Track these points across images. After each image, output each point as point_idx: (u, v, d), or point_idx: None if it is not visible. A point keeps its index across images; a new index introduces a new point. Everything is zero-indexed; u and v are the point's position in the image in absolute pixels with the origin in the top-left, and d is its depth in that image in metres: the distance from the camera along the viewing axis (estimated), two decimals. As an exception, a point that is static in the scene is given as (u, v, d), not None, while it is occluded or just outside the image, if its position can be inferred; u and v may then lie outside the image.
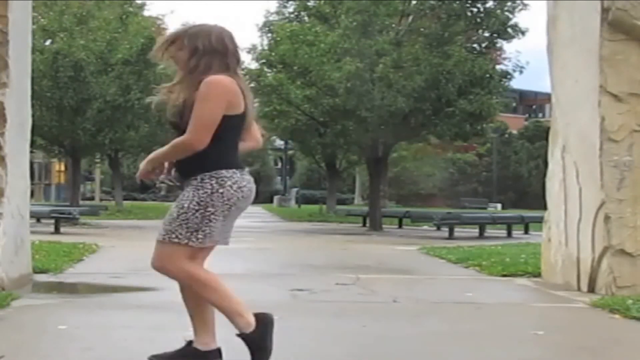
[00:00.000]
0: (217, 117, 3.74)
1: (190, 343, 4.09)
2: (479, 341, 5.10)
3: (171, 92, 3.87)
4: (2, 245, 6.94)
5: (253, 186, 3.96)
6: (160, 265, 3.92)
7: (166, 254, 3.86)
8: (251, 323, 4.00)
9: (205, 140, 3.73)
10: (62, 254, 10.02)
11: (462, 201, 40.67)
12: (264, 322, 4.03)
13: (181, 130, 3.80)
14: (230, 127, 3.81)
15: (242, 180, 3.86)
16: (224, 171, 3.81)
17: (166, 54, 3.95)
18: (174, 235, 3.81)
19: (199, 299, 4.06)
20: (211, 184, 3.79)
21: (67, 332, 5.07)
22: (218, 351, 4.09)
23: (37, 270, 8.29)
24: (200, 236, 3.81)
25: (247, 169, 3.99)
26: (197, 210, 3.78)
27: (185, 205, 3.79)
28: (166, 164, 3.97)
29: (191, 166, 3.83)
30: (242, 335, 4.00)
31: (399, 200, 43.04)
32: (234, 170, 3.84)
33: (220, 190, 3.79)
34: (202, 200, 3.78)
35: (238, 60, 3.96)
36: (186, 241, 3.81)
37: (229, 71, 3.85)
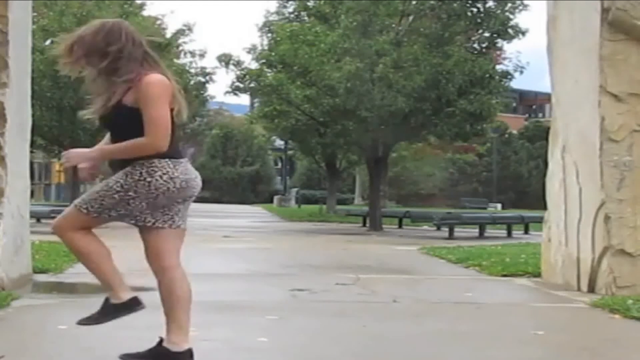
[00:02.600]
0: (168, 116, 3.82)
1: (160, 342, 4.09)
2: (479, 341, 5.10)
3: (105, 99, 3.89)
4: (2, 245, 6.95)
5: (189, 177, 4.00)
6: (56, 225, 4.02)
7: (68, 217, 3.99)
8: (121, 297, 4.20)
9: (167, 143, 3.81)
10: (62, 254, 10.00)
11: (462, 201, 40.66)
12: (128, 305, 4.22)
13: (117, 131, 3.90)
14: None
15: (175, 171, 3.90)
16: (156, 161, 3.86)
17: (75, 65, 3.98)
18: (84, 206, 3.95)
19: (168, 298, 4.14)
20: (140, 172, 3.86)
21: (67, 332, 5.07)
22: (189, 352, 4.06)
23: (37, 270, 8.29)
24: (96, 205, 3.95)
25: (186, 159, 4.02)
26: (117, 192, 3.89)
27: (110, 184, 3.91)
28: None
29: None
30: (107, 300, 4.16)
31: (399, 200, 43.03)
32: (168, 160, 3.87)
33: (148, 179, 3.86)
34: (125, 184, 3.88)
35: (146, 50, 3.95)
36: (90, 211, 3.96)
37: (148, 63, 3.88)
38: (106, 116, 3.91)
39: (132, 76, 3.80)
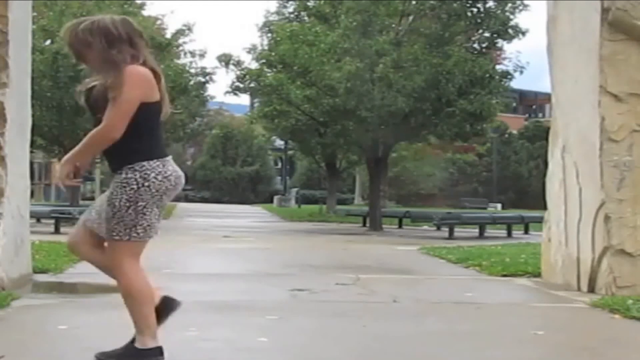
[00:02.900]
0: (133, 104, 3.79)
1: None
2: (479, 341, 5.10)
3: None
4: (2, 245, 6.95)
5: (179, 174, 4.01)
6: (116, 264, 3.95)
7: (118, 252, 3.92)
8: (148, 345, 3.99)
9: (119, 127, 3.78)
10: (62, 254, 10.01)
11: (462, 201, 40.67)
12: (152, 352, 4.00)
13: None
14: (148, 115, 3.86)
15: (167, 170, 3.91)
16: (145, 163, 3.85)
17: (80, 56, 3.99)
18: (114, 233, 3.87)
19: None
20: (136, 179, 3.84)
21: (67, 332, 5.07)
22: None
23: (37, 270, 8.29)
24: (140, 231, 3.88)
25: (170, 157, 4.02)
26: (128, 207, 3.84)
27: (117, 204, 3.85)
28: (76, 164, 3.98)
29: (116, 160, 3.92)
30: (131, 346, 4.02)
31: (399, 200, 43.04)
32: (156, 160, 3.89)
33: (146, 184, 3.84)
34: (130, 197, 3.84)
35: (137, 45, 3.95)
36: (127, 237, 3.87)
37: (139, 60, 3.90)
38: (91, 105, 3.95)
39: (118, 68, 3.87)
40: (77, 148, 3.94)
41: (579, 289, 7.65)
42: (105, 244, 3.99)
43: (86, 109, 4.04)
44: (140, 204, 3.83)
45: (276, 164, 56.09)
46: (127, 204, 3.83)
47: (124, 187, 3.84)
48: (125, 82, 3.77)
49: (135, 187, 3.83)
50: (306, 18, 26.13)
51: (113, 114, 3.77)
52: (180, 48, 28.74)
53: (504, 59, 27.00)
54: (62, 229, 17.00)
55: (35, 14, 20.68)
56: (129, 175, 3.83)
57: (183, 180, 4.04)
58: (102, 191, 35.06)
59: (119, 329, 5.22)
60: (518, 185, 45.35)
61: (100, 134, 3.83)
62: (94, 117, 3.92)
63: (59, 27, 23.61)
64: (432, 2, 21.60)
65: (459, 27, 21.53)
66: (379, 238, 18.30)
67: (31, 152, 9.63)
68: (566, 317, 6.40)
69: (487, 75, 21.18)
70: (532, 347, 4.97)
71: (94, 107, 3.90)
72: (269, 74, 23.73)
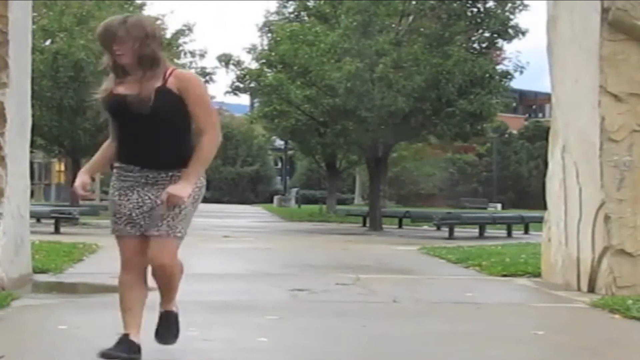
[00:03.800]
0: None
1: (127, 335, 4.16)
2: (479, 341, 5.10)
3: (140, 88, 3.92)
4: (2, 245, 6.95)
5: None
6: (169, 261, 4.00)
7: (173, 249, 3.99)
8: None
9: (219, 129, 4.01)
10: (62, 254, 10.02)
11: (462, 201, 40.65)
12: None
13: (150, 120, 3.89)
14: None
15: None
16: None
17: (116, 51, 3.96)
18: (177, 230, 3.94)
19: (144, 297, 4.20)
20: (199, 179, 3.97)
21: (67, 332, 5.07)
22: (138, 347, 4.12)
23: (37, 270, 8.29)
24: (186, 228, 4.04)
25: None
26: (192, 204, 3.97)
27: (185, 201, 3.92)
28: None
29: (172, 160, 3.94)
30: (170, 311, 4.25)
31: (399, 200, 43.02)
32: None
33: (204, 183, 4.03)
34: (196, 195, 3.97)
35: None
36: (184, 234, 4.00)
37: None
38: (144, 107, 3.91)
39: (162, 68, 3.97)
40: (194, 170, 3.94)
41: (579, 289, 7.65)
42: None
43: (115, 114, 4.04)
44: (196, 204, 4.01)
45: (276, 164, 56.08)
46: (192, 202, 3.96)
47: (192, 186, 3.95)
48: (201, 85, 3.98)
49: (200, 184, 3.98)
50: (306, 18, 26.11)
51: (215, 123, 3.95)
52: (180, 48, 28.71)
53: (504, 59, 26.98)
54: (62, 229, 17.01)
55: (35, 14, 20.68)
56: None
57: None
58: (103, 191, 34.74)
59: (119, 329, 5.23)
60: (518, 185, 45.33)
61: (216, 144, 3.98)
62: (123, 122, 3.98)
63: (59, 27, 23.66)
64: (432, 2, 21.59)
65: (459, 27, 21.52)
66: (379, 238, 18.29)
67: (31, 152, 9.63)
68: (566, 317, 6.40)
69: (487, 75, 21.18)
70: (532, 347, 4.97)
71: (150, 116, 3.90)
72: (269, 74, 23.72)
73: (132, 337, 4.11)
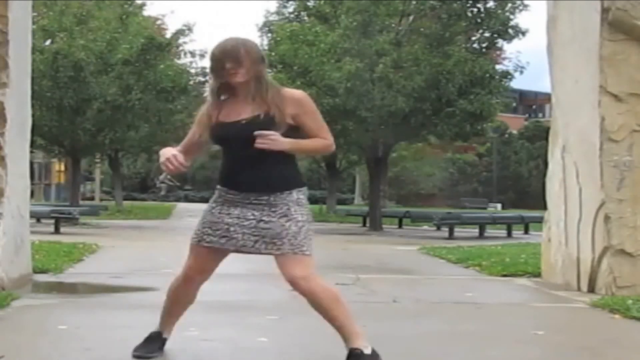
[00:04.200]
0: None
1: (160, 334, 4.32)
2: (479, 341, 5.10)
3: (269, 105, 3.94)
4: (2, 245, 6.95)
5: None
6: (306, 274, 4.06)
7: (303, 265, 4.05)
8: (364, 344, 4.05)
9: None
10: (62, 254, 10.02)
11: (462, 201, 40.66)
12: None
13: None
14: None
15: None
16: (304, 189, 4.10)
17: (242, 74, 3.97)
18: (302, 249, 4.00)
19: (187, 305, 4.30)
20: (305, 201, 4.05)
21: (67, 332, 5.07)
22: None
23: (37, 270, 8.29)
24: (311, 247, 4.09)
25: None
26: (309, 223, 4.03)
27: (302, 219, 3.98)
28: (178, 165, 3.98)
29: (285, 180, 3.99)
30: (355, 349, 4.03)
31: (399, 200, 43.03)
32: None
33: (307, 206, 4.08)
34: (308, 214, 4.04)
35: None
36: (311, 252, 4.07)
37: None
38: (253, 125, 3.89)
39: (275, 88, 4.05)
40: (303, 141, 3.99)
41: (579, 289, 7.65)
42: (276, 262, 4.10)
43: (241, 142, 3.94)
44: (310, 223, 4.05)
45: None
46: (308, 220, 4.02)
47: (301, 206, 4.00)
48: (311, 103, 4.07)
49: (307, 207, 4.04)
50: (306, 18, 26.11)
51: (328, 133, 4.06)
52: (180, 48, 28.75)
53: (504, 59, 26.99)
54: (62, 229, 17.02)
55: (35, 14, 20.71)
56: (302, 197, 4.02)
57: None
58: (103, 191, 34.69)
59: (119, 329, 5.23)
60: (518, 185, 45.34)
61: (327, 148, 4.12)
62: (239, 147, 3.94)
63: (59, 27, 23.67)
64: (432, 2, 21.59)
65: (459, 27, 21.52)
66: (379, 238, 18.29)
67: (31, 152, 9.63)
68: (566, 317, 6.40)
69: (487, 75, 21.18)
70: (532, 347, 4.97)
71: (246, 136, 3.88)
72: (269, 74, 23.71)
73: (165, 336, 4.35)
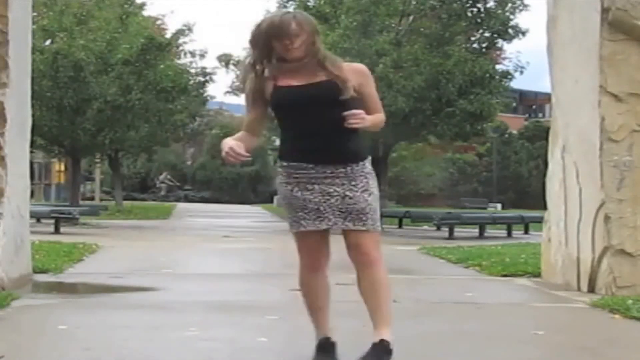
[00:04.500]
0: None
1: (327, 338, 4.18)
2: (479, 341, 5.10)
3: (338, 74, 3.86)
4: (2, 245, 6.94)
5: None
6: (378, 255, 3.97)
7: (379, 244, 3.97)
8: (391, 338, 4.05)
9: None
10: (62, 254, 10.02)
11: (462, 201, 40.64)
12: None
13: (331, 111, 3.78)
14: None
15: None
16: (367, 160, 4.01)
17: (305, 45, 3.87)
18: (377, 224, 3.96)
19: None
20: (372, 169, 3.97)
21: (67, 332, 5.07)
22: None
23: (37, 270, 8.29)
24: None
25: None
26: (378, 197, 3.97)
27: (375, 192, 3.92)
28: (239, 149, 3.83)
29: (356, 153, 3.91)
30: (382, 341, 4.00)
31: (399, 200, 42.99)
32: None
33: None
34: (377, 187, 3.97)
35: None
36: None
37: None
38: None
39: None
40: (374, 119, 3.94)
41: (579, 289, 7.65)
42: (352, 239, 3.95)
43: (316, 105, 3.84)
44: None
45: (276, 164, 56.06)
46: (378, 194, 3.96)
47: (373, 178, 3.94)
48: (371, 75, 3.98)
49: (374, 175, 3.96)
50: (306, 18, 26.12)
51: (380, 106, 3.98)
52: (180, 48, 28.74)
53: (504, 59, 27.00)
54: (62, 229, 17.01)
55: (35, 14, 20.71)
56: (370, 168, 3.93)
57: None
58: (103, 191, 34.74)
59: (118, 329, 5.23)
60: (518, 185, 45.33)
61: (382, 122, 4.01)
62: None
63: (59, 27, 23.68)
64: (432, 2, 21.61)
65: (459, 27, 21.53)
66: (379, 238, 18.25)
67: (31, 152, 9.63)
68: (566, 317, 6.40)
69: (487, 75, 21.19)
70: (532, 347, 4.97)
71: (316, 102, 3.82)
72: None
73: (332, 339, 4.15)
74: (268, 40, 3.82)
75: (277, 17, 3.88)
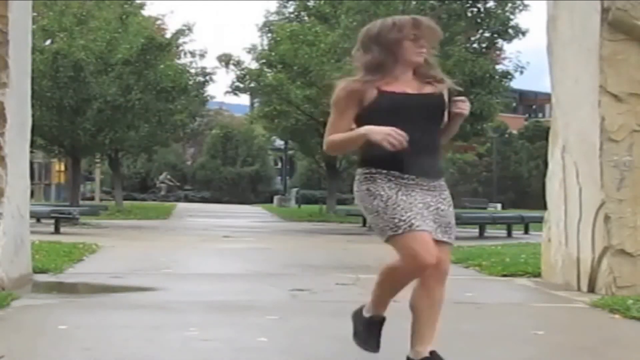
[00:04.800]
0: None
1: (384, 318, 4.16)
2: (479, 341, 5.10)
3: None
4: (2, 245, 6.94)
5: None
6: (449, 270, 3.97)
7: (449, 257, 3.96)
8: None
9: None
10: (62, 254, 10.02)
11: (463, 201, 40.63)
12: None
13: (433, 124, 3.79)
14: None
15: None
16: None
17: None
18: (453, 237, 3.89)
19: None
20: None
21: (67, 332, 5.07)
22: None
23: (37, 270, 8.29)
24: None
25: None
26: None
27: (448, 200, 3.86)
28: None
29: (440, 167, 3.93)
30: (434, 352, 4.07)
31: (399, 200, 42.94)
32: None
33: None
34: None
35: None
36: None
37: None
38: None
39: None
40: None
41: (579, 289, 7.65)
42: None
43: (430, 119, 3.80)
44: None
45: (276, 164, 56.08)
46: None
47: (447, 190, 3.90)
48: None
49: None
50: (306, 18, 26.12)
51: None
52: (180, 48, 28.73)
53: (504, 59, 26.99)
54: (62, 229, 17.01)
55: (35, 14, 20.69)
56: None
57: None
58: (103, 191, 34.82)
59: (118, 329, 5.23)
60: (518, 185, 45.34)
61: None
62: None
63: (59, 27, 23.69)
64: (432, 2, 21.63)
65: (459, 27, 21.54)
66: (379, 238, 18.26)
67: (31, 152, 9.63)
68: (566, 317, 6.40)
69: (487, 75, 21.21)
70: (532, 347, 4.97)
71: (438, 112, 3.82)
72: (269, 74, 23.75)
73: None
74: (401, 39, 3.72)
75: (418, 18, 3.84)
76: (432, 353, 3.99)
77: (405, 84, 3.75)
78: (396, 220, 3.70)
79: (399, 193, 3.72)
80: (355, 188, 3.89)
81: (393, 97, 3.71)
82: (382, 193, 3.73)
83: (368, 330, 4.18)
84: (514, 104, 54.75)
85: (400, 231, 3.70)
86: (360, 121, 3.76)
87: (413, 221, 3.69)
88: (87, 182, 46.37)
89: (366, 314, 4.21)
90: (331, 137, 3.81)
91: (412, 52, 3.74)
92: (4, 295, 6.29)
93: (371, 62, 3.79)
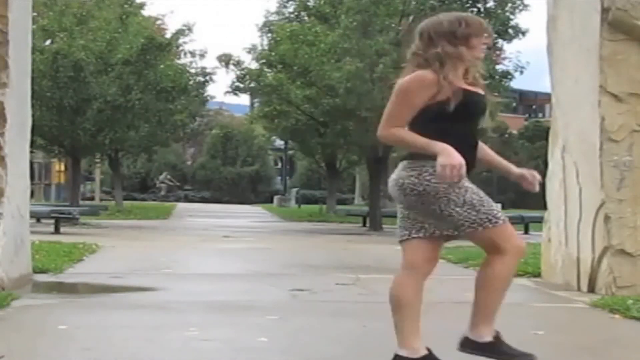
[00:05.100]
0: None
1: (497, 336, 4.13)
2: (479, 341, 5.09)
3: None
4: (2, 245, 6.95)
5: None
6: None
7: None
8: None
9: None
10: (62, 254, 10.02)
11: (462, 201, 40.61)
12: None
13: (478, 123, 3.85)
14: None
15: None
16: None
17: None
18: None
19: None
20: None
21: (67, 332, 5.07)
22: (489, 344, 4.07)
23: (37, 270, 8.29)
24: None
25: None
26: None
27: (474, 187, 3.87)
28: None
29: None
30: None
31: (399, 201, 42.92)
32: None
33: None
34: None
35: None
36: None
37: None
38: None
39: None
40: None
41: (579, 289, 7.65)
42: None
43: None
44: None
45: (276, 164, 56.08)
46: None
47: None
48: None
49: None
50: (306, 18, 26.09)
51: None
52: (180, 48, 28.73)
53: (504, 59, 26.97)
54: (62, 229, 17.01)
55: (35, 14, 20.68)
56: None
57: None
58: (103, 191, 34.83)
59: (118, 329, 5.24)
60: (518, 185, 44.75)
61: None
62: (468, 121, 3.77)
63: (59, 27, 23.68)
64: (432, 2, 21.59)
65: (459, 27, 21.51)
66: (379, 238, 18.28)
67: (31, 152, 9.63)
68: (566, 317, 6.40)
69: (487, 75, 21.18)
70: (532, 347, 4.96)
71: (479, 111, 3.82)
72: (269, 74, 23.73)
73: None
74: (469, 36, 3.73)
75: (476, 17, 3.92)
76: (429, 350, 4.10)
77: (462, 82, 3.74)
78: (495, 212, 3.81)
79: (471, 185, 3.79)
80: (423, 182, 3.75)
81: (472, 95, 3.71)
82: (470, 186, 3.76)
83: (500, 350, 4.17)
84: (514, 104, 54.70)
85: (500, 222, 3.79)
86: (424, 113, 3.69)
87: (500, 213, 3.87)
88: (87, 182, 46.36)
89: (487, 338, 4.22)
90: (399, 132, 3.72)
91: (478, 50, 3.76)
92: (4, 295, 6.29)
93: (443, 55, 3.71)
